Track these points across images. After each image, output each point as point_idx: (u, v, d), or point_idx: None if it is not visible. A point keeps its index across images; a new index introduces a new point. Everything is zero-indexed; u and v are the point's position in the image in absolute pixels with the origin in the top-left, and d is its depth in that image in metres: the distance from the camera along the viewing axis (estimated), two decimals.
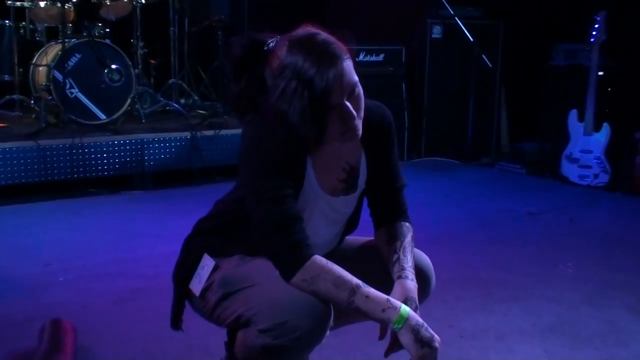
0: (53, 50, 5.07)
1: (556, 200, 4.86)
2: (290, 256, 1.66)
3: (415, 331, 1.60)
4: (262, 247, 1.71)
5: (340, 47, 1.64)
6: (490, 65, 5.82)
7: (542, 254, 3.65)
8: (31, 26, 5.35)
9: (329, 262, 1.66)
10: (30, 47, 5.34)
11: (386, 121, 1.89)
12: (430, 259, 1.93)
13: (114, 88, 5.05)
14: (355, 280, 1.64)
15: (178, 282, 1.90)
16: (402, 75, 6.11)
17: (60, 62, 4.87)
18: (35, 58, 5.24)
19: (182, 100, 5.94)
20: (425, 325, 1.62)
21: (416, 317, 1.63)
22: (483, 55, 5.76)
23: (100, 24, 5.36)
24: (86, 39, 5.04)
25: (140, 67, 5.59)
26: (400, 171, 1.96)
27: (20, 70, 5.24)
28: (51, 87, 4.86)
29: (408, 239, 1.88)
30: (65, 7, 5.14)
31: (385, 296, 1.63)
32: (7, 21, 5.23)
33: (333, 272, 1.63)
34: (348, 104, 1.64)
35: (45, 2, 5.22)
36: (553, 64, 5.87)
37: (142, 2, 5.59)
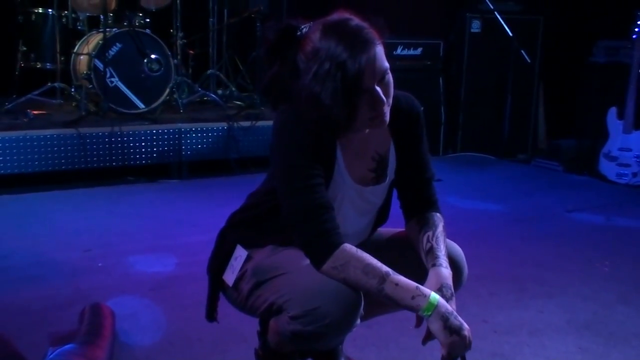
0: (94, 40, 5.14)
1: (593, 199, 4.81)
2: (320, 244, 1.68)
3: (445, 319, 1.61)
4: (293, 236, 1.73)
5: (372, 32, 1.66)
6: (529, 61, 5.76)
7: (578, 251, 3.62)
8: (73, 15, 5.42)
9: (358, 250, 1.68)
10: (72, 36, 5.41)
11: (415, 111, 1.90)
12: (465, 254, 1.93)
13: (153, 78, 5.11)
14: (385, 267, 1.65)
15: (212, 274, 1.94)
16: (440, 70, 6.08)
17: (101, 51, 4.94)
18: (77, 47, 5.32)
19: (220, 91, 5.99)
20: (455, 313, 1.63)
21: (446, 305, 1.63)
22: (522, 51, 5.70)
23: (140, 14, 5.42)
24: (127, 29, 5.10)
25: (179, 57, 5.64)
26: (430, 162, 1.96)
27: (62, 58, 5.33)
28: (92, 76, 4.94)
29: (440, 228, 1.88)
30: None
31: (415, 284, 1.64)
32: (50, 10, 5.32)
33: (363, 260, 1.65)
34: (378, 89, 1.65)
35: None
36: (593, 60, 5.80)
37: None
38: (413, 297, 1.62)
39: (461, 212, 4.26)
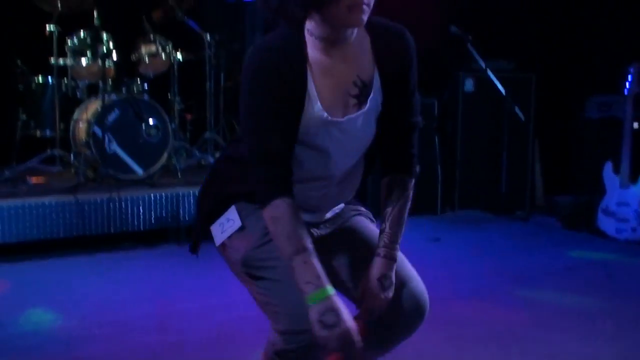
0: (93, 106, 5.21)
1: (593, 255, 4.79)
2: (264, 189, 1.73)
3: (322, 312, 1.63)
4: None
5: None
6: (523, 119, 5.82)
7: (579, 310, 3.59)
8: (73, 83, 5.51)
9: (296, 213, 1.71)
10: (71, 103, 5.48)
11: (404, 41, 1.85)
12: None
13: (151, 143, 5.16)
14: (307, 243, 1.68)
15: (201, 215, 1.96)
16: (435, 128, 6.14)
17: (99, 118, 5.00)
18: (76, 114, 5.39)
19: (218, 154, 6.03)
20: (341, 312, 1.63)
21: (335, 304, 1.64)
22: (516, 108, 5.77)
23: (139, 80, 5.51)
24: (125, 95, 5.18)
25: (176, 122, 5.71)
26: (417, 107, 1.92)
27: (62, 125, 5.39)
28: (90, 142, 4.99)
29: (399, 204, 1.89)
30: (106, 64, 5.31)
31: (320, 273, 1.66)
32: (50, 78, 5.40)
33: (292, 224, 1.69)
34: None
35: (87, 60, 5.40)
36: (587, 116, 5.86)
37: (179, 59, 5.74)
38: (307, 282, 1.65)
39: (460, 271, 4.24)
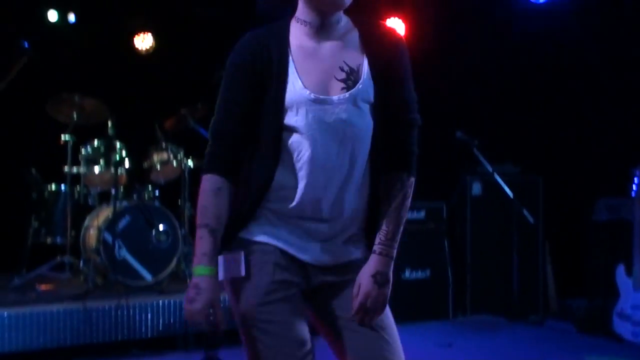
0: (104, 213, 5.26)
1: None
2: (206, 162, 1.92)
3: (191, 286, 1.84)
4: None
5: None
6: (532, 221, 5.82)
7: None
8: (85, 190, 5.59)
9: (220, 193, 1.86)
10: (82, 210, 5.55)
11: (394, 35, 1.94)
12: None
13: (161, 249, 5.18)
14: (215, 222, 1.84)
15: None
16: (444, 232, 6.14)
17: (110, 224, 5.05)
18: (87, 221, 5.44)
19: None
20: (203, 291, 1.81)
21: (203, 283, 1.82)
22: (524, 211, 5.78)
23: (150, 187, 5.59)
24: (136, 202, 5.24)
25: (186, 227, 5.74)
26: (413, 104, 1.95)
27: (72, 233, 5.43)
28: (100, 249, 5.02)
29: (397, 202, 1.91)
30: (118, 172, 5.40)
31: (209, 252, 1.83)
32: (63, 186, 5.49)
33: (209, 199, 1.86)
34: None
35: (100, 168, 5.50)
36: (596, 219, 5.85)
37: (190, 166, 5.84)
38: (195, 255, 1.86)
39: None
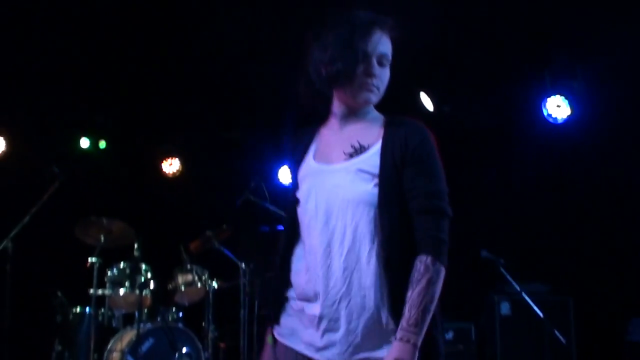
0: (128, 336, 5.22)
1: None
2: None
3: None
4: None
5: (381, 20, 2.06)
6: (564, 342, 5.65)
7: None
8: (109, 313, 5.57)
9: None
10: (106, 332, 5.51)
11: (411, 139, 1.98)
12: None
13: None
14: None
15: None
16: (474, 353, 5.97)
17: (133, 347, 5.00)
18: (111, 344, 5.38)
19: None
20: None
21: None
22: (555, 331, 5.62)
23: (174, 309, 5.56)
24: (160, 324, 5.20)
25: (210, 350, 5.65)
26: (424, 194, 1.93)
27: (95, 355, 5.36)
28: None
29: (420, 286, 1.85)
30: (143, 294, 5.40)
31: None
32: (87, 308, 5.48)
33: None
34: (375, 63, 2.02)
35: (125, 290, 5.50)
36: (630, 339, 5.68)
37: (214, 287, 5.82)
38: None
39: None
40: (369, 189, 1.95)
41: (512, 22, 5.78)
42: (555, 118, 6.34)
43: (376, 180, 1.95)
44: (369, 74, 2.01)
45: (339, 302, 1.91)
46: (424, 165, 1.97)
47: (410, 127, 2.02)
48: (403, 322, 1.84)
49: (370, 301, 1.91)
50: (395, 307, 1.89)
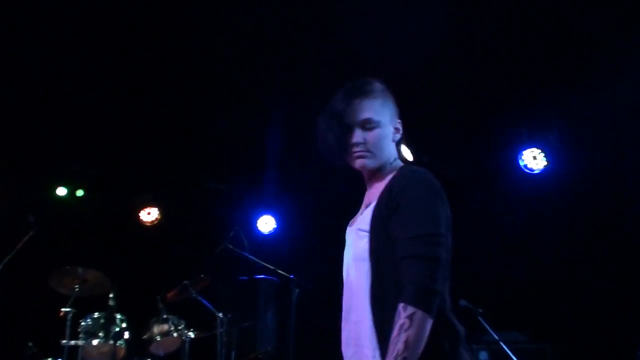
0: None
1: None
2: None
3: None
4: None
5: (366, 86, 2.21)
6: None
7: None
8: None
9: None
10: None
11: (395, 187, 2.05)
12: None
13: None
14: None
15: None
16: None
17: None
18: None
19: None
20: None
21: None
22: None
23: (149, 359, 5.46)
24: None
25: None
26: (415, 240, 1.94)
27: None
28: None
29: (393, 333, 1.86)
30: (117, 344, 5.30)
31: None
32: None
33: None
34: (358, 131, 2.15)
35: (99, 340, 5.40)
36: None
37: (191, 337, 5.73)
38: None
39: None
40: (363, 245, 2.04)
41: (490, 75, 5.90)
42: (532, 169, 6.43)
43: (368, 236, 2.03)
44: (354, 143, 2.14)
45: (349, 355, 2.08)
46: (404, 211, 1.99)
47: (400, 175, 2.09)
48: None
49: (367, 352, 1.98)
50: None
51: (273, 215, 7.45)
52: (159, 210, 7.36)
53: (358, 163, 2.16)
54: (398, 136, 2.25)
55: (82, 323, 5.49)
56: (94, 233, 6.87)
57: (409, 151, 6.64)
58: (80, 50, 5.59)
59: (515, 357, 5.66)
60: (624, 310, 5.86)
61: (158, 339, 5.61)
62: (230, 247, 5.58)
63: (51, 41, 5.41)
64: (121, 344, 5.43)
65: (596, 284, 6.17)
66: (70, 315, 5.41)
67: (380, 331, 1.95)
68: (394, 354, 1.84)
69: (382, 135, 2.15)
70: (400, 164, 2.22)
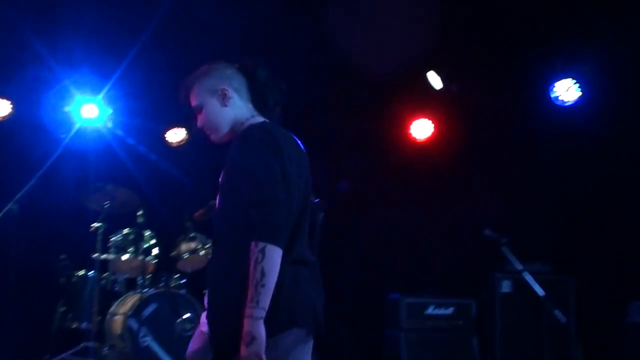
0: (130, 300, 5.25)
1: None
2: None
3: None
4: None
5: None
6: (564, 322, 5.66)
7: None
8: (112, 277, 5.60)
9: None
10: (109, 296, 5.55)
11: (231, 150, 2.37)
12: None
13: (186, 337, 5.11)
14: None
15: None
16: (473, 330, 6.01)
17: (136, 311, 5.03)
18: (113, 307, 5.42)
19: None
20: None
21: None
22: (555, 311, 5.63)
23: (177, 275, 5.59)
24: (163, 290, 5.23)
25: None
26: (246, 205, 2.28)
27: (99, 318, 5.41)
28: (125, 335, 4.97)
29: (250, 268, 2.18)
30: (146, 260, 5.42)
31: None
32: (90, 272, 5.51)
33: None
34: (198, 117, 2.55)
35: (128, 255, 5.53)
36: (629, 321, 5.70)
37: None
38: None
39: None
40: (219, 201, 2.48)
41: (523, 2, 5.77)
42: (563, 101, 6.34)
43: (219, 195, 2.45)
44: (200, 127, 2.55)
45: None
46: (238, 172, 2.34)
47: (235, 139, 2.41)
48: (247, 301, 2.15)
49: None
50: None
51: None
52: (186, 130, 7.36)
53: (212, 140, 2.54)
54: (231, 97, 2.50)
55: (112, 238, 5.61)
56: (123, 152, 6.91)
57: (438, 78, 6.61)
58: None
59: (539, 287, 5.72)
60: None
61: (185, 257, 5.71)
62: None
63: None
64: (150, 260, 5.56)
65: (624, 220, 6.15)
66: (101, 230, 5.52)
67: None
68: (255, 282, 2.14)
69: (208, 111, 2.50)
70: (255, 121, 2.47)
